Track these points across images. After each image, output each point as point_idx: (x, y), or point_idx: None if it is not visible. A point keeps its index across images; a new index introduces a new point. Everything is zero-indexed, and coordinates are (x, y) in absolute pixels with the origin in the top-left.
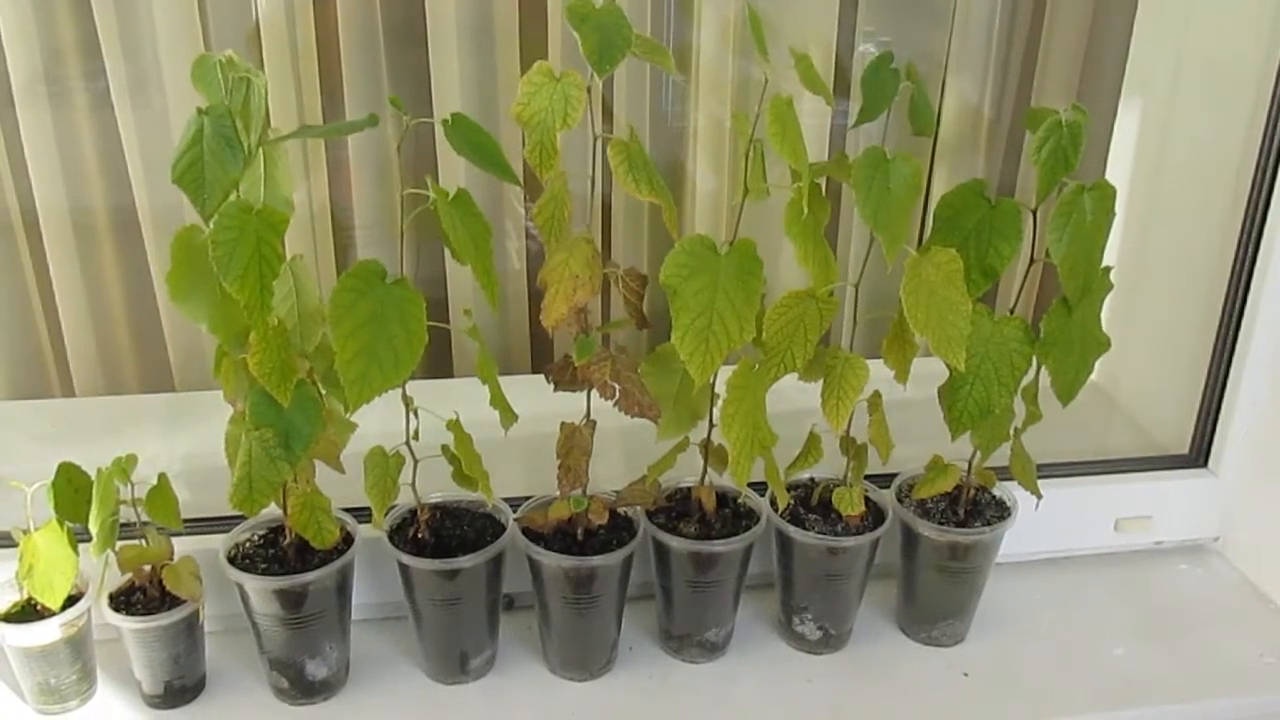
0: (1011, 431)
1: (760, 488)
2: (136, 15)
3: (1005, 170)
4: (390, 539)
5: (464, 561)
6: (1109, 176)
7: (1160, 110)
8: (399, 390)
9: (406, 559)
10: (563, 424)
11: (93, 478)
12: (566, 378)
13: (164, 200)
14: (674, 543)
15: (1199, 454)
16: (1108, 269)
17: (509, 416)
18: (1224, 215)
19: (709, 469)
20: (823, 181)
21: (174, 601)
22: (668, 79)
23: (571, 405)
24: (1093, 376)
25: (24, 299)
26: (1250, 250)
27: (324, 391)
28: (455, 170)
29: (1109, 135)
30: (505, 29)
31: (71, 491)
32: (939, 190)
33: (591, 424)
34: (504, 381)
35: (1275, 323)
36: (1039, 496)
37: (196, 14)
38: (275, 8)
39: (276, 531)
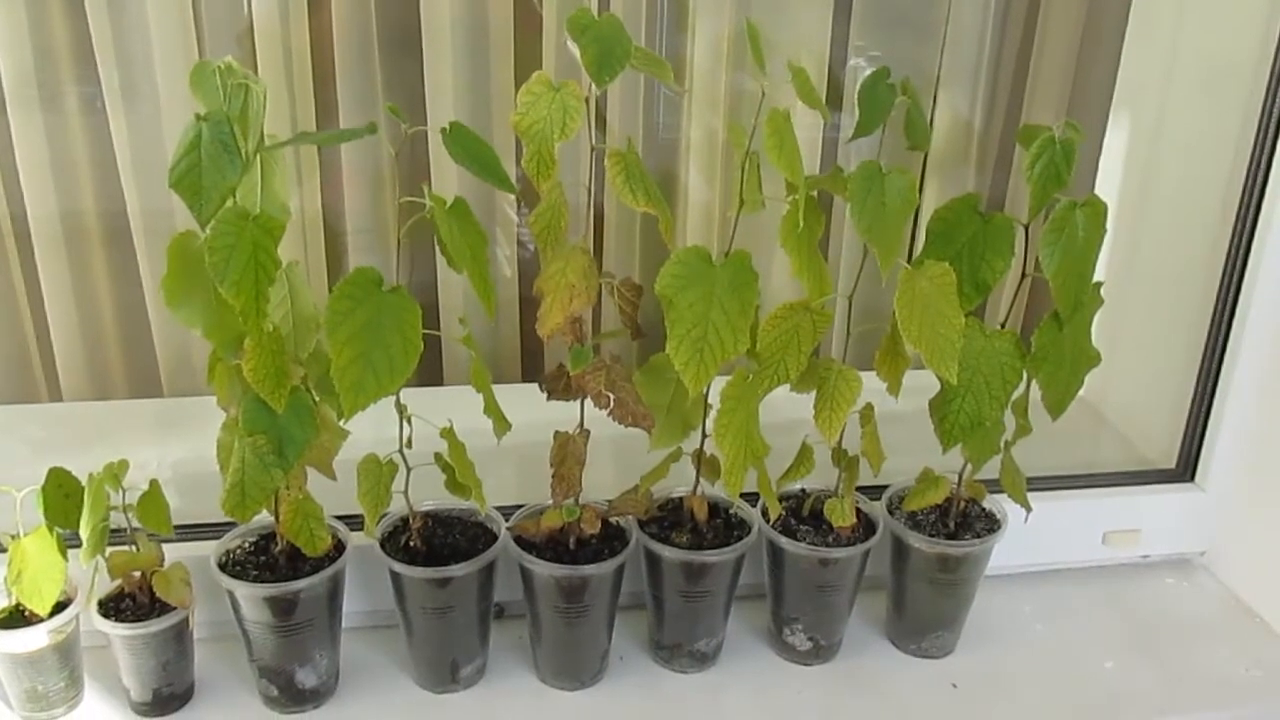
0: (1002, 445)
1: (752, 498)
2: (130, 20)
3: (995, 183)
4: (382, 547)
5: (456, 570)
6: (1098, 190)
7: (1150, 125)
8: (391, 397)
9: (398, 567)
10: (556, 433)
11: (83, 483)
12: (561, 386)
13: (155, 204)
14: (666, 552)
15: (1186, 468)
16: (1099, 284)
17: (503, 425)
18: (1212, 230)
19: (701, 479)
20: (814, 193)
21: (163, 608)
22: (660, 89)
23: (562, 414)
24: (1081, 391)
25: (11, 302)
26: (1238, 265)
27: (317, 398)
28: (448, 176)
29: (1099, 149)
30: (500, 37)
31: (62, 497)
32: (929, 203)
33: (585, 433)
34: (495, 389)
35: (1263, 338)
36: (1028, 509)
37: (190, 19)
38: (269, 13)
39: (268, 538)
